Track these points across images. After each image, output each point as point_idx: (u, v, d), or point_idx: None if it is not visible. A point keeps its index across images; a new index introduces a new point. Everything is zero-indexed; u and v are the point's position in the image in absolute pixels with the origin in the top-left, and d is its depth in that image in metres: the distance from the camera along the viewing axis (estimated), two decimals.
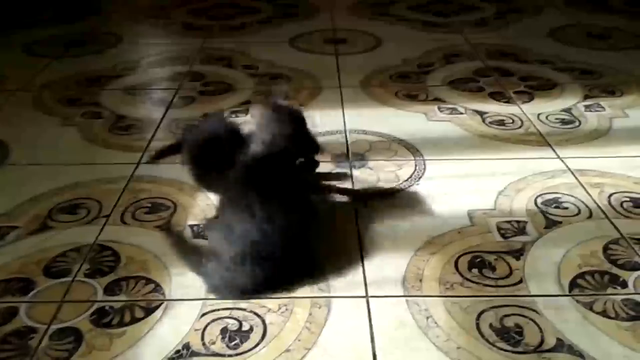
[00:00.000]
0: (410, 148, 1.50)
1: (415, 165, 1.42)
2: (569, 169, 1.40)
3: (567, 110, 1.71)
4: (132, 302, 1.00)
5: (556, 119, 1.66)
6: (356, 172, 1.39)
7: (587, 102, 1.76)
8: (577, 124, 1.63)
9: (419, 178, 1.37)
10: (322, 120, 1.64)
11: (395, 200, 1.29)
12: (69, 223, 1.21)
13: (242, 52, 2.20)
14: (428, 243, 1.15)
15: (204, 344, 0.92)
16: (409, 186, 1.34)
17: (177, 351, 0.91)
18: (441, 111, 1.71)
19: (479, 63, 2.07)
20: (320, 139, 1.50)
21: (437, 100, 1.78)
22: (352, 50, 2.23)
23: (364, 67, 2.04)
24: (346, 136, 1.57)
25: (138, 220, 1.22)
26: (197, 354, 0.90)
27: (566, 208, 1.26)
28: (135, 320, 0.97)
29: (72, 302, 1.00)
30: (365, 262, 1.10)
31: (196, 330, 0.95)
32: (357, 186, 1.34)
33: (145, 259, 1.11)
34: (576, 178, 1.36)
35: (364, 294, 1.03)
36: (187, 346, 0.92)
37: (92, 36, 2.41)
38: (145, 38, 2.49)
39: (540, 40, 2.30)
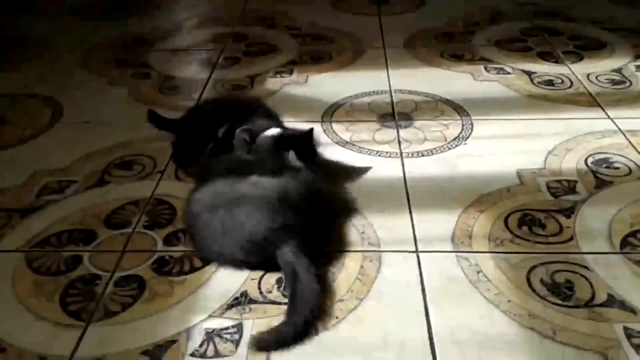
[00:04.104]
0: (457, 108, 1.49)
1: (463, 125, 1.42)
2: (620, 129, 1.38)
3: (618, 71, 1.67)
4: (190, 252, 1.04)
5: (606, 79, 1.63)
6: (402, 132, 1.40)
7: (639, 63, 1.71)
8: (627, 84, 1.60)
9: (467, 138, 1.37)
10: (367, 81, 1.64)
11: (442, 159, 1.29)
12: (125, 178, 1.26)
13: (284, 13, 2.19)
14: (477, 201, 1.15)
15: (260, 292, 0.96)
16: (456, 145, 1.34)
17: (236, 298, 0.95)
18: (488, 71, 1.69)
19: (525, 23, 2.03)
20: (365, 99, 1.53)
21: (483, 60, 1.76)
22: (395, 10, 2.21)
23: (407, 27, 2.02)
24: (391, 96, 1.57)
25: (191, 176, 1.25)
26: (255, 301, 0.94)
27: (617, 168, 1.24)
28: (194, 269, 1.01)
29: (134, 252, 1.05)
30: (414, 219, 1.11)
31: (252, 279, 0.98)
32: (404, 145, 1.34)
33: None
34: (627, 138, 1.34)
35: (413, 249, 1.04)
36: (244, 294, 0.95)
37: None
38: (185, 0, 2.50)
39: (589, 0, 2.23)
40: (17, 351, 0.87)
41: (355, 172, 1.25)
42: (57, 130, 1.46)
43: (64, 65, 1.83)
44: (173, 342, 0.87)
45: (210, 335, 0.88)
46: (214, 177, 1.07)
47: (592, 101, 1.51)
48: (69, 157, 1.33)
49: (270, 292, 0.96)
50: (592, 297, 0.93)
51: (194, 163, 1.24)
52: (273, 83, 1.66)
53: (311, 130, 1.19)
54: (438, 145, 1.34)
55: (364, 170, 1.26)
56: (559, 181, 1.20)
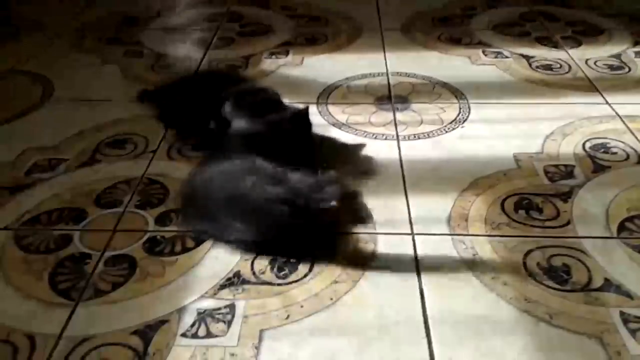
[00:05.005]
0: (454, 91, 1.48)
1: (460, 109, 1.40)
2: (618, 114, 1.37)
3: (616, 56, 1.66)
4: (182, 232, 1.02)
5: (605, 64, 1.61)
6: (399, 115, 1.38)
7: (637, 49, 1.70)
8: (626, 70, 1.58)
9: (464, 121, 1.35)
10: (363, 63, 1.62)
11: (439, 142, 1.28)
12: (117, 157, 1.23)
13: None
14: (473, 184, 1.14)
15: (253, 273, 0.94)
16: (453, 129, 1.32)
17: (229, 279, 0.93)
18: (486, 55, 1.67)
19: (523, 7, 2.01)
20: (361, 82, 1.51)
21: (481, 44, 1.75)
22: None
23: (404, 10, 1.99)
24: (388, 78, 1.55)
25: (184, 156, 1.23)
26: (248, 282, 0.93)
27: (615, 153, 1.23)
28: (186, 249, 0.99)
29: (125, 231, 1.03)
30: (410, 202, 1.10)
31: (246, 260, 0.97)
32: (400, 128, 1.33)
33: None
34: (625, 124, 1.33)
35: (409, 231, 1.03)
36: (237, 274, 0.94)
37: None
38: None
39: None
40: (6, 329, 0.85)
41: (350, 154, 1.24)
42: (48, 108, 1.43)
43: (55, 43, 1.79)
44: (164, 322, 0.86)
45: (202, 316, 0.87)
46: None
47: (590, 86, 1.50)
48: (60, 135, 1.31)
49: (263, 272, 0.94)
50: (589, 282, 0.93)
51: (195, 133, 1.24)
52: (268, 64, 1.64)
53: (306, 108, 1.19)
54: (435, 128, 1.33)
55: (360, 151, 1.24)
56: (556, 165, 1.19)
